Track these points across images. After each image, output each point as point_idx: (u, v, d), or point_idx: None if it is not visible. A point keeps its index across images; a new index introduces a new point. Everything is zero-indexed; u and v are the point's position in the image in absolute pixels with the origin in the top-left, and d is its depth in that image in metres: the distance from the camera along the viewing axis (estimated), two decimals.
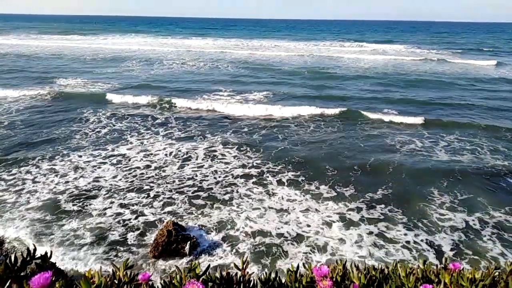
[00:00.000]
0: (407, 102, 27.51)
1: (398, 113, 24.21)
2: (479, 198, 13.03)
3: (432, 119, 22.85)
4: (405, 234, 10.88)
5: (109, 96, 27.17)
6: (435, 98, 28.72)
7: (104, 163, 15.67)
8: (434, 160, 16.58)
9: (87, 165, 15.34)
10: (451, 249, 10.21)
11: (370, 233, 10.94)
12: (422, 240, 10.59)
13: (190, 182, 14.03)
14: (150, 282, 2.14)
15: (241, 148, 17.68)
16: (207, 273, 2.19)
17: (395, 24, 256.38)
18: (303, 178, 14.47)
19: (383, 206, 12.50)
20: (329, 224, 11.34)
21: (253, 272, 2.46)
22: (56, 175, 14.33)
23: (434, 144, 18.67)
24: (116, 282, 2.02)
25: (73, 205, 12.20)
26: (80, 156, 16.31)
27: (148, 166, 15.43)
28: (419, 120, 22.50)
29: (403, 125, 22.05)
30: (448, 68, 45.14)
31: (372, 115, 23.48)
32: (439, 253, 9.99)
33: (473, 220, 11.62)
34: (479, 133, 20.36)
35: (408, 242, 10.52)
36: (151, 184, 13.82)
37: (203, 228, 11.09)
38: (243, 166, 15.59)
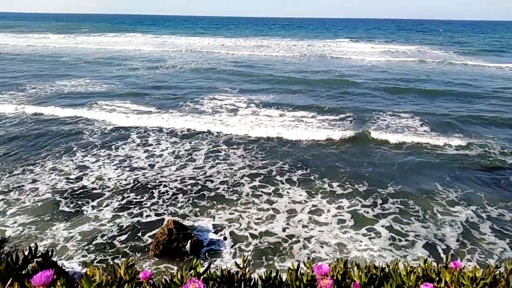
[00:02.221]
0: (435, 116, 22.99)
1: (428, 131, 20.08)
2: None
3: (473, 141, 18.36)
4: (415, 231, 10.92)
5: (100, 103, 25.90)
6: (466, 110, 24.67)
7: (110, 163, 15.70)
8: None
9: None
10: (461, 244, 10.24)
11: (382, 226, 11.05)
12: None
13: (193, 181, 14.06)
14: (151, 281, 2.14)
15: (246, 152, 17.67)
16: (208, 271, 2.20)
17: (396, 23, 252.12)
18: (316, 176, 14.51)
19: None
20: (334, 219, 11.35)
21: (254, 271, 2.46)
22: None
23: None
24: (117, 280, 2.02)
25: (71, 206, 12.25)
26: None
27: (151, 166, 15.46)
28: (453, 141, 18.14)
29: (430, 147, 17.95)
30: (471, 72, 41.22)
31: (392, 137, 18.91)
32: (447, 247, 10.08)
33: None
34: None
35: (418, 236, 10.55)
36: (153, 184, 13.85)
37: (204, 226, 11.10)
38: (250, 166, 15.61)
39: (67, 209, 11.87)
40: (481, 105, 26.57)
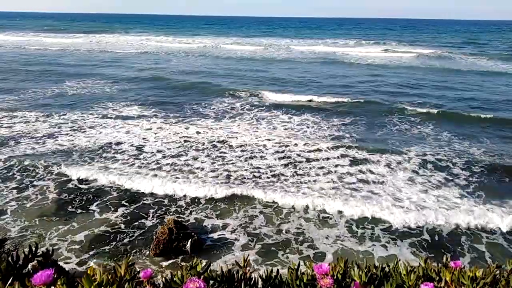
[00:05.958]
0: None
1: None
2: None
3: None
4: None
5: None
6: None
7: None
8: None
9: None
10: None
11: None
12: None
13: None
14: (152, 280, 2.15)
15: None
16: (208, 270, 2.20)
17: (395, 22, 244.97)
18: None
19: None
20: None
21: (255, 270, 2.46)
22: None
23: None
24: (118, 279, 2.03)
25: (77, 203, 12.25)
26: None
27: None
28: None
29: None
30: None
31: None
32: None
33: None
34: None
35: None
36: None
37: (204, 226, 11.11)
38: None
39: (70, 209, 11.90)
40: None
